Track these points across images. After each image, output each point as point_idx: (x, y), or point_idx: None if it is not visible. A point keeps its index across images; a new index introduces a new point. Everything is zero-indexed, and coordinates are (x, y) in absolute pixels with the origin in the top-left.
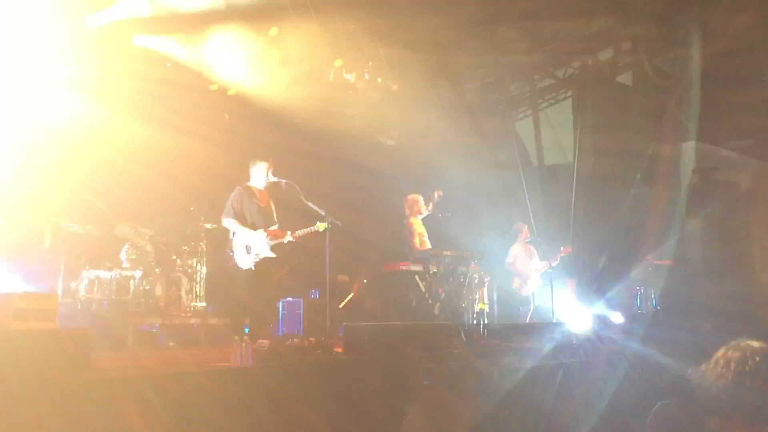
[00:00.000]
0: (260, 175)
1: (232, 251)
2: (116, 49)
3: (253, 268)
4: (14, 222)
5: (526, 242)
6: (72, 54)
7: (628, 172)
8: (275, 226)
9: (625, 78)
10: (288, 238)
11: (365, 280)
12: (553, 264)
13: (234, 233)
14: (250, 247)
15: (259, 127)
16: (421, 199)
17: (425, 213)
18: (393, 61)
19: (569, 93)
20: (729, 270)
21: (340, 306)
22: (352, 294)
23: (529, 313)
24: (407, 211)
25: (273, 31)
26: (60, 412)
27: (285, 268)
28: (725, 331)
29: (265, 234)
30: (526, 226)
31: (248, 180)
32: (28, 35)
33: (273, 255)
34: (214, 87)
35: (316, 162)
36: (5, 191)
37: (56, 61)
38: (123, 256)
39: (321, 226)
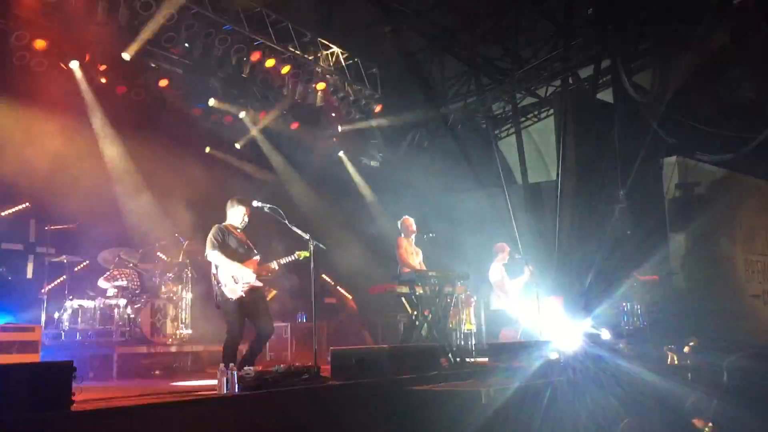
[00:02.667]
0: (237, 217)
1: (218, 283)
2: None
3: (244, 296)
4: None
5: (503, 264)
6: None
7: (611, 189)
8: (257, 256)
9: (606, 95)
10: (275, 267)
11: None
12: (524, 281)
13: (218, 266)
14: (237, 277)
15: (242, 155)
16: (412, 221)
17: (413, 234)
18: (375, 82)
19: (551, 111)
20: (714, 284)
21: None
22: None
23: (520, 332)
24: (402, 232)
25: (255, 56)
26: None
27: (272, 292)
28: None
29: (252, 270)
30: (507, 247)
31: (224, 219)
32: None
33: (259, 284)
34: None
35: (300, 186)
36: None
37: None
38: (107, 284)
39: (302, 254)
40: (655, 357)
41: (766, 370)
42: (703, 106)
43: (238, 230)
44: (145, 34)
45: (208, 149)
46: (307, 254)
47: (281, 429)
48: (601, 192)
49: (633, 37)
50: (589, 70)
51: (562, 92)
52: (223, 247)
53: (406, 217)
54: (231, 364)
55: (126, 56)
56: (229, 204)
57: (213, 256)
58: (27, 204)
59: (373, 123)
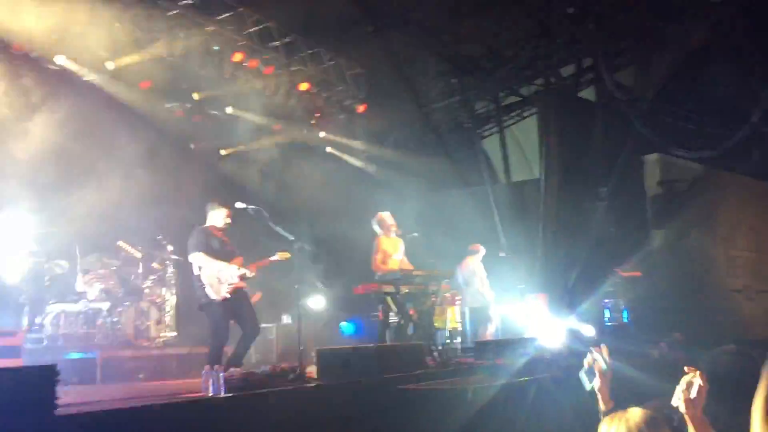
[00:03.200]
0: (218, 218)
1: (202, 284)
2: None
3: (229, 297)
4: None
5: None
6: None
7: (594, 186)
8: (239, 257)
9: (588, 93)
10: (251, 273)
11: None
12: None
13: (201, 267)
14: (222, 278)
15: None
16: (388, 216)
17: (395, 232)
18: (358, 83)
19: (534, 109)
20: (696, 280)
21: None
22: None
23: (500, 329)
24: (377, 230)
25: (237, 56)
26: None
27: (257, 295)
28: (693, 341)
29: (237, 267)
30: (482, 246)
31: (204, 222)
32: None
33: (243, 285)
34: (173, 106)
35: (284, 185)
36: None
37: None
38: (89, 288)
39: (282, 255)
40: (638, 353)
41: (745, 365)
42: (685, 104)
43: (220, 232)
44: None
45: (192, 146)
46: (288, 255)
47: (268, 430)
48: (585, 190)
49: (614, 35)
50: (571, 69)
51: (545, 91)
52: (206, 248)
53: (380, 213)
54: (216, 366)
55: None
56: (209, 206)
57: (195, 257)
58: None
59: (357, 123)
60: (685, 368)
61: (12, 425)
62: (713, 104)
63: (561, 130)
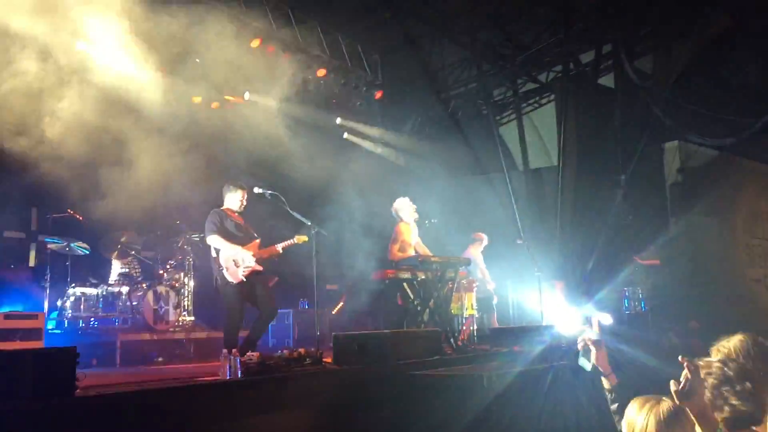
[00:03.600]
0: (234, 200)
1: (220, 266)
2: None
3: (245, 280)
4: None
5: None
6: None
7: (613, 174)
8: (257, 239)
9: (607, 80)
10: (268, 256)
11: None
12: None
13: (219, 250)
14: (238, 260)
15: (246, 139)
16: (407, 202)
17: (413, 218)
18: (375, 69)
19: (552, 96)
20: (715, 268)
21: (333, 312)
22: (341, 303)
23: (494, 317)
24: (398, 216)
25: (254, 42)
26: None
27: (273, 279)
28: (711, 330)
29: (252, 252)
30: (485, 236)
31: (222, 204)
32: None
33: (260, 268)
34: (197, 99)
35: (301, 171)
36: None
37: None
38: (109, 272)
39: (300, 239)
40: (656, 341)
41: (757, 352)
42: (706, 90)
43: (236, 214)
44: None
45: (209, 131)
46: (306, 239)
47: (284, 414)
48: (603, 177)
49: (634, 22)
50: (590, 55)
51: (563, 77)
52: (221, 230)
53: (399, 198)
54: (234, 350)
55: None
56: (225, 187)
57: (212, 240)
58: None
59: (374, 109)
60: (680, 358)
61: (33, 406)
62: (734, 91)
63: (579, 116)
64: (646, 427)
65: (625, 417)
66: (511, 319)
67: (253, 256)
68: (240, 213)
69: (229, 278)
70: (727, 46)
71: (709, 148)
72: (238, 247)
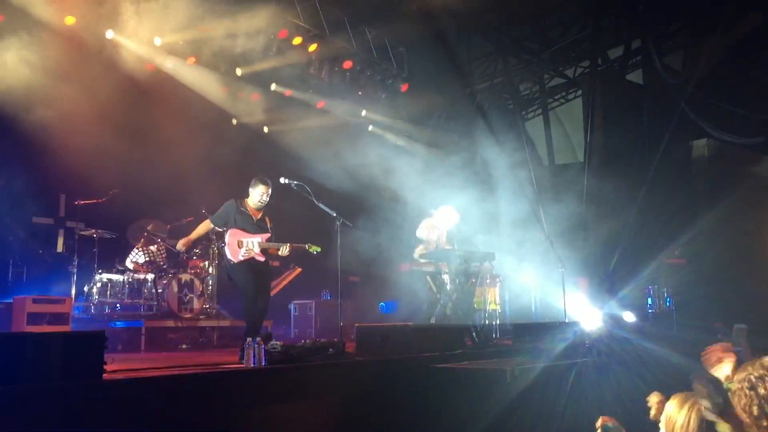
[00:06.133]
0: (255, 195)
1: (224, 242)
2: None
3: (244, 260)
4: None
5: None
6: None
7: (639, 171)
8: (267, 234)
9: (635, 76)
10: (283, 250)
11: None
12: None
13: (227, 232)
14: (243, 242)
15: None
16: (450, 210)
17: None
18: (402, 62)
19: (579, 92)
20: (742, 266)
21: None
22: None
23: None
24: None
25: (282, 33)
26: (75, 412)
27: (297, 270)
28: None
29: (260, 240)
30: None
31: (246, 196)
32: None
33: (262, 259)
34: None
35: (326, 164)
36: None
37: None
38: (135, 259)
39: (312, 248)
40: (681, 339)
41: None
42: (735, 89)
43: (254, 208)
44: None
45: (234, 121)
46: (319, 249)
47: (306, 403)
48: (629, 174)
49: (664, 18)
50: (618, 51)
51: (591, 73)
52: (223, 221)
53: (444, 207)
54: (258, 339)
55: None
56: (252, 182)
57: (212, 221)
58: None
59: (399, 102)
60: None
61: (62, 388)
62: (763, 89)
63: (606, 112)
64: (688, 424)
65: (664, 413)
66: (534, 315)
67: (260, 245)
68: (259, 208)
69: (229, 256)
70: (757, 43)
71: (737, 146)
72: (246, 233)
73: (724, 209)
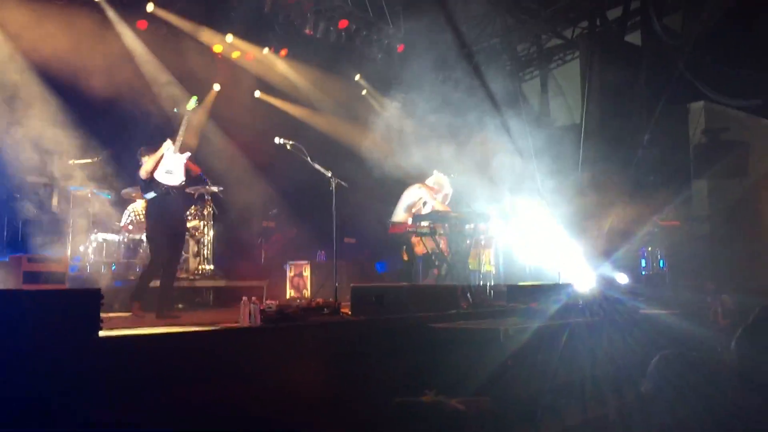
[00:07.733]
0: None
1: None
2: None
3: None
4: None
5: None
6: None
7: (635, 133)
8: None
9: (634, 37)
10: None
11: None
12: None
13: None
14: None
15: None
16: (444, 179)
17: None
18: (398, 21)
19: (577, 53)
20: (737, 229)
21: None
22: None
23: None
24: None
25: None
26: (70, 369)
27: (292, 231)
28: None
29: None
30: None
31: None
32: None
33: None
34: (218, 49)
35: (322, 124)
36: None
37: None
38: (129, 219)
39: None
40: (673, 300)
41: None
42: (734, 50)
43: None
44: None
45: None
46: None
47: (301, 361)
48: (625, 136)
49: None
50: (617, 11)
51: (589, 34)
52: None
53: (437, 174)
54: (254, 298)
55: None
56: None
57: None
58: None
59: (396, 62)
60: None
61: (58, 345)
62: (761, 52)
63: (604, 74)
64: None
65: None
66: (528, 276)
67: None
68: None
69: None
70: (756, 3)
71: (734, 109)
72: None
73: (720, 172)
